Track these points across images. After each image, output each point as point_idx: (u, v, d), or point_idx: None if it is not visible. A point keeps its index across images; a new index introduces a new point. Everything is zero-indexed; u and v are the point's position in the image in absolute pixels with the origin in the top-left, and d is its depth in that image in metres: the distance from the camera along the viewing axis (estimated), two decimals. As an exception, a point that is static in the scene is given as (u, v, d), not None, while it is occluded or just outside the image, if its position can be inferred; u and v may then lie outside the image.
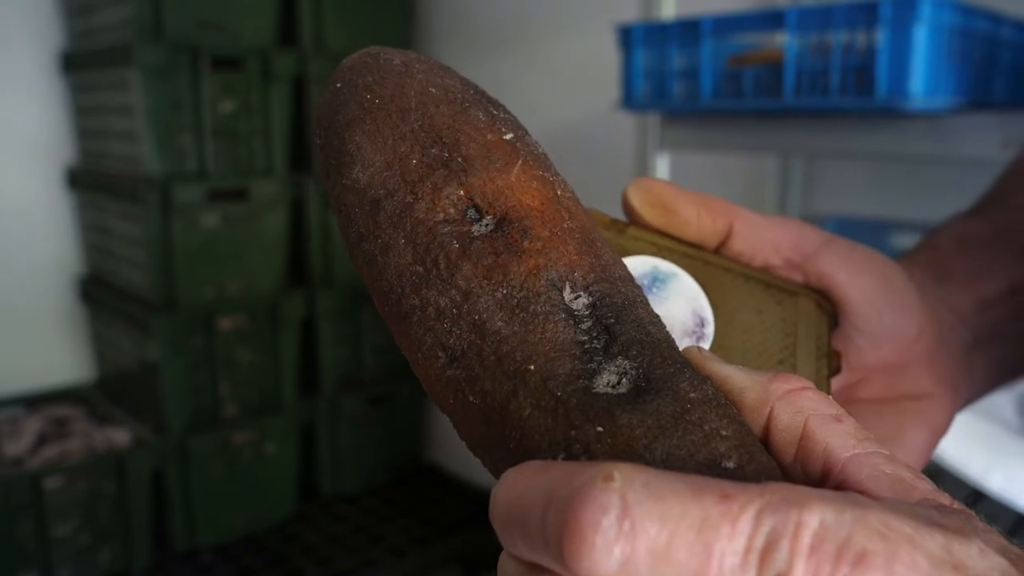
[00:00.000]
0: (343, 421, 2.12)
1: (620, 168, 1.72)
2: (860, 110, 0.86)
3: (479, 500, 2.12)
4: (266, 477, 1.98)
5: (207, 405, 1.89)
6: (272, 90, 1.89)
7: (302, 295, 2.00)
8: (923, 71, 0.80)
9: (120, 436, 1.84)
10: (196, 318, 1.83)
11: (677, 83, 1.01)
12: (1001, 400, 0.79)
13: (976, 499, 1.18)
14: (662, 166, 1.15)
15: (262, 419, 1.96)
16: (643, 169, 1.16)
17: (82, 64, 1.96)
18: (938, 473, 1.26)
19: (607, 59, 1.49)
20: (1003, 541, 0.19)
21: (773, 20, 0.89)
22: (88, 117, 2.00)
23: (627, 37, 1.05)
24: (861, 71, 0.82)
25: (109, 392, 2.09)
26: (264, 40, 1.90)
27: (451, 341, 0.27)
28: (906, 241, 1.28)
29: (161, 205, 1.75)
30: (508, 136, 0.31)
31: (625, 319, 0.26)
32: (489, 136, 0.30)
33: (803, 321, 0.35)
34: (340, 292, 2.07)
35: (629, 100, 1.06)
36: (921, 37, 0.79)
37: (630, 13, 1.48)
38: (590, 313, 0.27)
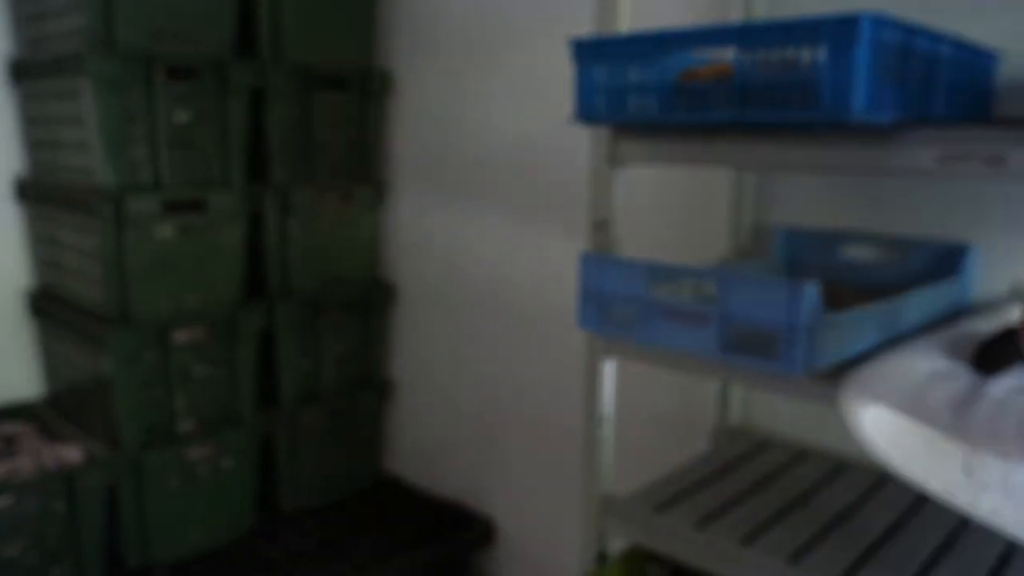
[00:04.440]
0: (303, 434, 2.10)
1: (578, 180, 1.74)
2: (804, 124, 0.89)
3: (441, 512, 2.12)
4: (224, 492, 1.96)
5: (162, 420, 1.86)
6: (229, 101, 1.88)
7: (260, 307, 1.99)
8: (864, 88, 0.82)
9: (72, 453, 1.80)
10: (151, 331, 1.81)
11: (630, 97, 1.03)
12: (937, 398, 0.82)
13: (923, 500, 1.21)
14: (617, 179, 1.16)
15: (220, 433, 1.94)
16: (598, 181, 1.17)
17: (32, 73, 1.93)
18: (887, 477, 1.29)
19: (566, 72, 1.51)
20: None
21: (722, 36, 0.91)
22: (38, 127, 1.97)
23: (580, 51, 1.06)
24: (805, 86, 0.85)
25: (60, 408, 2.05)
26: (221, 50, 1.89)
27: None
28: (855, 252, 1.31)
29: (114, 217, 1.73)
30: None
31: None
32: None
33: None
34: (299, 304, 2.06)
35: (583, 113, 1.08)
36: (862, 55, 0.81)
37: (588, 27, 1.50)
38: None
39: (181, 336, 1.86)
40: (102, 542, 1.79)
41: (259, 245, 2.01)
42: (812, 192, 1.40)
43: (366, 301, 2.22)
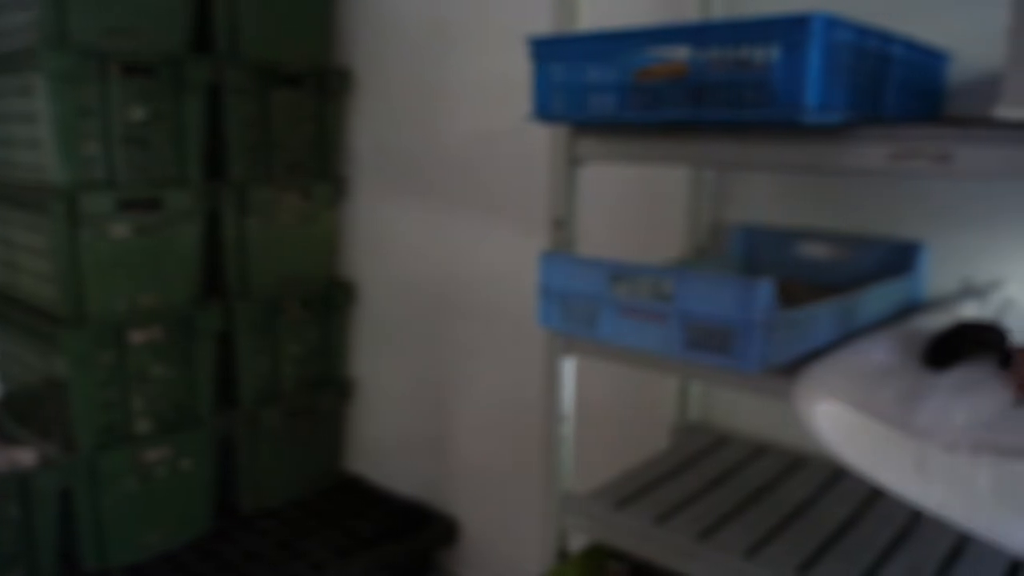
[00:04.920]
0: (262, 434, 2.08)
1: (538, 178, 1.74)
2: (758, 123, 0.90)
3: (402, 512, 2.11)
4: (182, 493, 1.93)
5: (119, 421, 1.83)
6: (186, 97, 1.85)
7: (218, 306, 1.96)
8: (816, 87, 0.83)
9: (25, 456, 1.77)
10: (106, 332, 1.78)
11: (587, 95, 1.03)
12: (888, 394, 0.83)
13: (878, 494, 1.23)
14: (576, 177, 1.17)
15: (177, 434, 1.91)
16: (557, 179, 1.18)
17: (-17, 69, 1.88)
18: (844, 471, 1.31)
19: (525, 70, 1.51)
20: None
21: (676, 35, 0.92)
22: (-11, 124, 1.92)
23: (538, 49, 1.06)
24: (759, 86, 0.85)
25: (14, 410, 2.01)
26: (178, 47, 1.86)
27: None
28: (811, 250, 1.33)
29: (67, 215, 1.70)
30: None
31: None
32: None
33: None
34: (257, 303, 2.03)
35: (540, 111, 1.08)
36: (814, 55, 0.82)
37: (547, 25, 1.50)
38: None
39: (137, 336, 1.83)
40: (57, 545, 1.76)
41: (217, 244, 1.99)
42: (769, 190, 1.42)
43: (326, 300, 2.21)
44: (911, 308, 1.20)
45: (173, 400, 1.92)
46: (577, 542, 1.29)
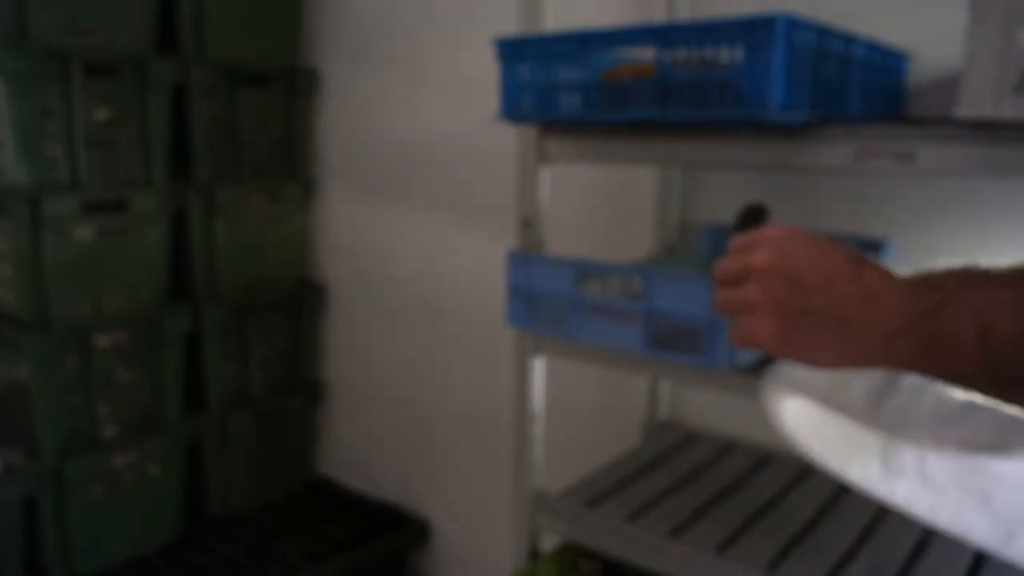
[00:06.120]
0: (231, 438, 2.06)
1: (508, 178, 1.74)
2: (724, 122, 0.90)
3: (375, 514, 2.10)
4: (150, 499, 1.91)
5: (84, 427, 1.80)
6: (150, 98, 1.83)
7: (186, 309, 1.94)
8: (781, 87, 0.84)
9: (-13, 463, 1.74)
10: (71, 336, 1.75)
11: (555, 95, 1.03)
12: (855, 389, 0.84)
13: (845, 490, 1.24)
14: (544, 177, 1.17)
15: (145, 439, 1.89)
16: (525, 179, 1.18)
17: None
18: (811, 467, 1.32)
19: (493, 70, 1.51)
20: None
21: (642, 36, 0.92)
22: (-52, 125, 1.89)
23: (504, 50, 1.06)
24: (724, 85, 0.86)
25: (-25, 416, 1.97)
26: (142, 46, 1.84)
27: None
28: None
29: (30, 218, 1.67)
30: None
31: None
32: None
33: None
34: (226, 305, 2.01)
35: (508, 111, 1.08)
36: (778, 55, 0.83)
37: (514, 25, 1.50)
38: None
39: (103, 340, 1.80)
40: (22, 554, 1.73)
41: (184, 246, 1.96)
42: (736, 189, 1.43)
43: (295, 302, 2.19)
44: (876, 305, 1.21)
45: (140, 405, 1.90)
46: (549, 541, 1.29)
